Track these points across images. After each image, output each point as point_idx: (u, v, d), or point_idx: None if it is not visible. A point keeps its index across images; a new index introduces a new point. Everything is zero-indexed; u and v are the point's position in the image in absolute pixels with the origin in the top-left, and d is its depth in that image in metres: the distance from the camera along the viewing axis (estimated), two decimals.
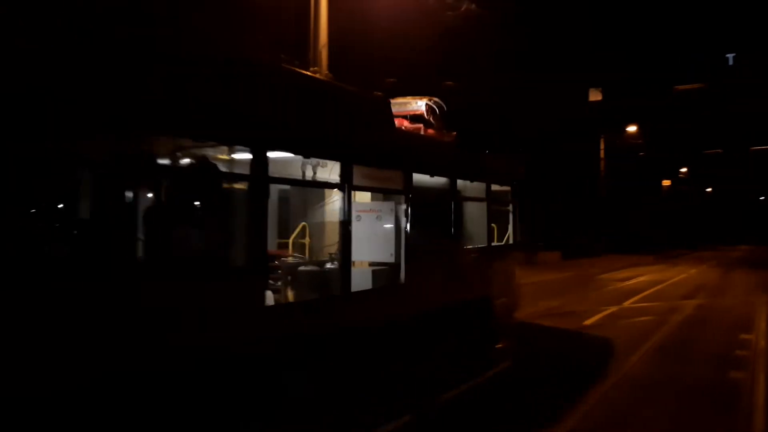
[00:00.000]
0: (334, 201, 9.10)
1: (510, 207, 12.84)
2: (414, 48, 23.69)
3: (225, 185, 6.84)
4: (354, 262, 8.82)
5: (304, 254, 9.40)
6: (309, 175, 8.41)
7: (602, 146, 45.84)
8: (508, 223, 12.84)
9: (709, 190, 75.02)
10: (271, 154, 7.14)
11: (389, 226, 9.20)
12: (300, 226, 9.41)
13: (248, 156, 6.68)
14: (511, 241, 12.82)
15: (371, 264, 9.28)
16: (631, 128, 48.22)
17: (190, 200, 6.60)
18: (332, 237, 9.13)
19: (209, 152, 6.53)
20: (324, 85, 8.38)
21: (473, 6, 19.23)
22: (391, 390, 7.89)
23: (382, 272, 9.03)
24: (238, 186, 6.85)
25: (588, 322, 13.64)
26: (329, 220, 9.47)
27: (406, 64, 24.58)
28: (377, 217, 9.34)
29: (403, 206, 9.07)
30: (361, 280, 8.46)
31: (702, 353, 10.62)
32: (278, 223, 9.82)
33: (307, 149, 7.41)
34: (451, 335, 10.03)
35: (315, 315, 7.40)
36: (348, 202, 7.81)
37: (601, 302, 16.96)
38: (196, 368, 5.72)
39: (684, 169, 67.26)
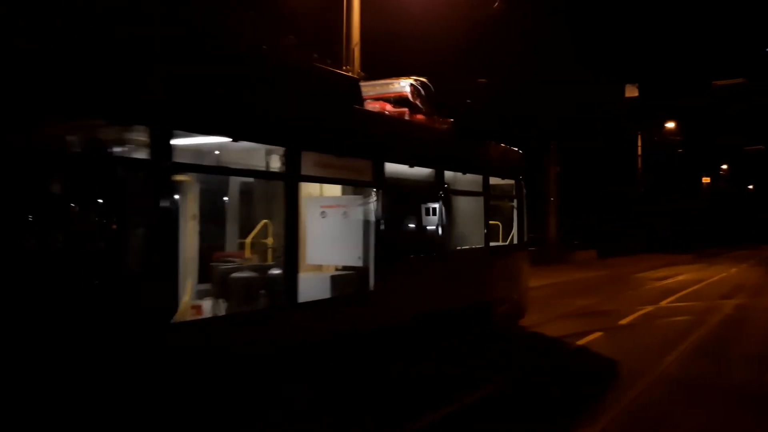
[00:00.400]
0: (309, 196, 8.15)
1: (514, 203, 11.61)
2: (447, 45, 23.62)
3: (120, 173, 5.58)
4: (321, 267, 8.13)
5: (265, 257, 8.12)
6: (275, 165, 7.18)
7: (639, 143, 45.17)
8: (521, 220, 11.76)
9: (750, 187, 73.37)
10: (207, 139, 6.31)
11: (357, 224, 7.91)
12: (261, 224, 8.01)
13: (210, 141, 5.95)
14: (515, 241, 11.60)
15: (338, 269, 8.15)
16: (670, 124, 47.43)
17: (65, 191, 5.27)
18: (303, 238, 7.87)
19: (105, 133, 5.33)
20: (257, 54, 7.00)
21: (506, 1, 19.11)
22: None
23: (345, 278, 7.84)
24: (138, 174, 5.56)
25: (623, 321, 13.45)
26: (312, 218, 8.23)
27: (439, 61, 24.54)
28: (344, 214, 8.05)
29: (373, 201, 7.82)
30: (315, 287, 7.31)
31: (740, 354, 10.42)
32: (239, 220, 8.64)
33: (232, 130, 6.02)
34: (432, 349, 8.83)
35: (239, 333, 6.03)
36: (294, 195, 6.59)
37: (636, 301, 16.72)
38: (47, 406, 4.51)
39: (724, 166, 65.92)
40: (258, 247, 8.05)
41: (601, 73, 36.80)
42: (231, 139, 6.17)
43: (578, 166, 36.03)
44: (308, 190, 8.19)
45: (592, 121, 36.40)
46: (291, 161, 6.53)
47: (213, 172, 7.25)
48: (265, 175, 7.42)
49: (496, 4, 18.38)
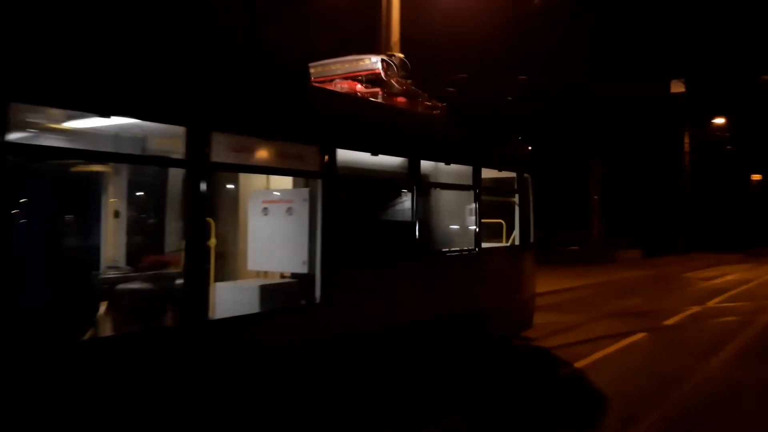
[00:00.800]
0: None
1: (516, 198, 10.16)
2: (487, 42, 23.48)
3: None
4: (266, 273, 7.09)
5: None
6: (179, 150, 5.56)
7: (686, 140, 44.24)
8: (529, 218, 10.39)
9: None
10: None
11: (302, 222, 6.57)
12: None
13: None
14: (517, 241, 10.17)
15: (285, 276, 6.95)
16: (718, 120, 46.31)
17: None
18: (259, 239, 6.96)
19: None
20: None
21: None
22: None
23: (282, 288, 6.59)
24: None
25: (668, 322, 13.20)
26: (254, 215, 7.04)
27: (479, 59, 24.43)
28: (288, 211, 6.75)
29: (321, 195, 6.41)
30: (240, 300, 6.15)
31: None
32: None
33: (95, 102, 4.60)
34: (389, 373, 7.22)
35: (128, 357, 4.72)
36: (201, 187, 5.20)
37: (683, 302, 16.38)
38: None
39: None
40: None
41: (646, 69, 36.15)
42: (98, 116, 4.95)
43: (622, 165, 35.48)
44: (256, 182, 7.38)
45: (637, 117, 35.78)
46: (195, 145, 5.14)
47: (59, 157, 5.35)
48: (155, 161, 6.20)
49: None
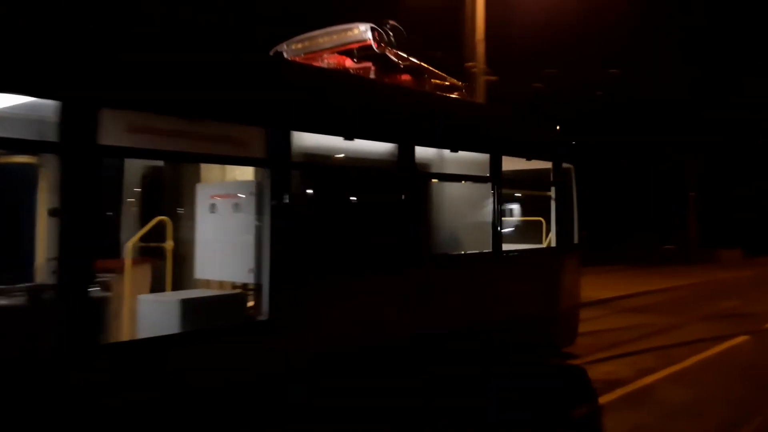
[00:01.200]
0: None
1: (552, 193, 8.67)
2: (577, 35, 22.99)
3: None
4: (222, 283, 6.12)
5: (163, 266, 5.95)
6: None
7: None
8: (571, 215, 8.94)
9: None
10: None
11: (250, 222, 5.38)
12: (153, 222, 5.75)
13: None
14: (554, 243, 8.71)
15: (237, 286, 5.90)
16: None
17: None
18: (205, 241, 5.95)
19: None
20: None
21: None
22: None
23: (214, 303, 5.47)
24: None
25: None
26: (201, 213, 6.02)
27: (570, 52, 23.93)
28: (235, 207, 5.63)
29: (270, 186, 5.19)
30: (159, 318, 5.14)
31: None
32: (141, 215, 6.40)
33: None
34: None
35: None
36: (79, 177, 4.03)
37: None
38: None
39: None
40: (149, 253, 5.96)
41: (749, 60, 34.48)
42: None
43: (720, 161, 33.99)
44: (221, 173, 6.53)
45: (734, 110, 34.21)
46: (75, 124, 4.03)
47: None
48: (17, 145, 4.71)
49: None
